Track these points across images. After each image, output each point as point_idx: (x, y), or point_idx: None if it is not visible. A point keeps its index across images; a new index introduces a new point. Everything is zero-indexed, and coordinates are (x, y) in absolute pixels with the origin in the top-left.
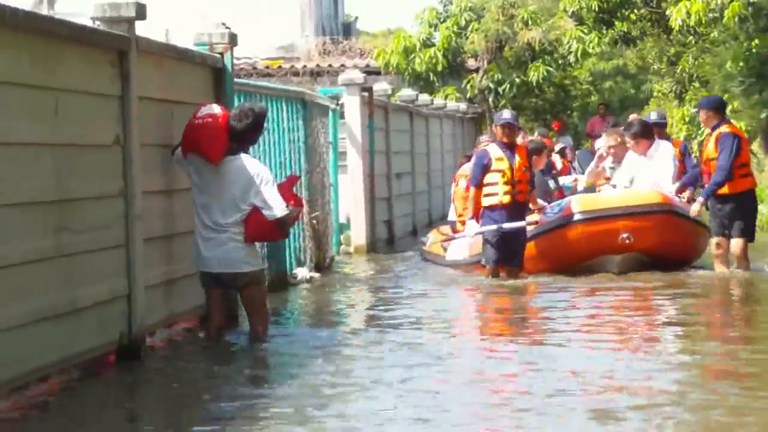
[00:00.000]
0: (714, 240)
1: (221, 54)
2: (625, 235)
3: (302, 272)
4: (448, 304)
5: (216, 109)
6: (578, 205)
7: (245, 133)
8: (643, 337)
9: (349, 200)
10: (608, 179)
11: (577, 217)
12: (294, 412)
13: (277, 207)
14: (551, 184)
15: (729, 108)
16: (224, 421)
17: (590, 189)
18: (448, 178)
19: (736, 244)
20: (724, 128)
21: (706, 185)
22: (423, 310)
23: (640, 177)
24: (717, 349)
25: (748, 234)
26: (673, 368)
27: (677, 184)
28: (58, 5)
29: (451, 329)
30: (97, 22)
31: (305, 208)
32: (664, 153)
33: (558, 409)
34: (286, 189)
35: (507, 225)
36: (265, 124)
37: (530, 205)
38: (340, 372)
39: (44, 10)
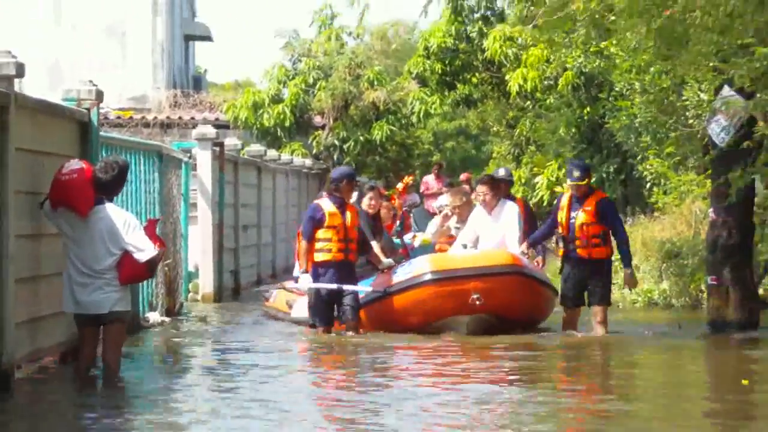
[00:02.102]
0: (569, 312)
1: (88, 109)
2: (475, 296)
3: (154, 316)
4: (279, 354)
5: (80, 164)
6: (429, 264)
7: (111, 184)
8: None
9: (198, 250)
10: (452, 237)
11: (428, 276)
12: None
13: (147, 249)
14: (397, 242)
15: (561, 172)
16: None
17: (427, 247)
18: (293, 231)
19: (602, 310)
20: (599, 195)
21: (626, 255)
22: (258, 359)
23: (486, 236)
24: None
25: (608, 300)
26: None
27: (524, 243)
28: None
29: (277, 377)
30: None
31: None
32: (509, 212)
33: None
34: (150, 232)
35: (348, 287)
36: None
37: (376, 265)
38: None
39: None
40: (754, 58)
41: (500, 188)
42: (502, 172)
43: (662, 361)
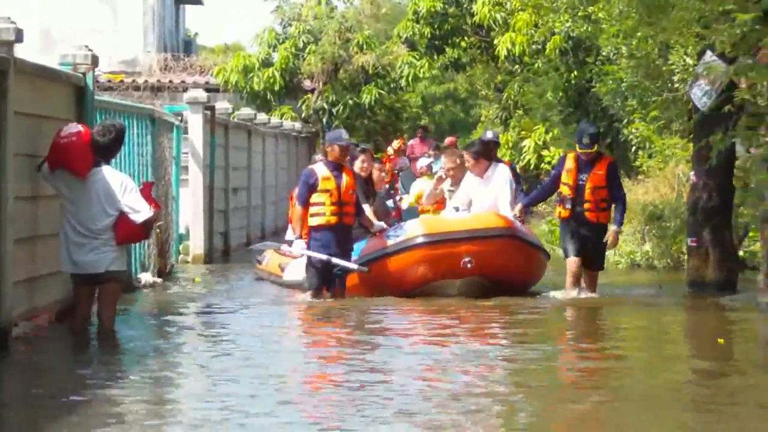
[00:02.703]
0: (573, 259)
1: (84, 74)
2: (466, 259)
3: (146, 277)
4: (261, 315)
5: (78, 127)
6: (421, 227)
7: (108, 147)
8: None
9: (189, 212)
10: (440, 202)
11: (420, 240)
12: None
13: (143, 210)
14: (390, 204)
15: (548, 136)
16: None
17: (414, 209)
18: (282, 193)
19: (596, 275)
20: (608, 159)
21: (620, 215)
22: (242, 321)
23: (478, 199)
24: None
25: (603, 265)
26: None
27: (519, 205)
28: None
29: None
30: None
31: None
32: (500, 175)
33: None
34: (146, 194)
35: (336, 260)
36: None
37: (368, 228)
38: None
39: None
40: (734, 24)
41: (489, 151)
42: (489, 135)
43: (647, 320)
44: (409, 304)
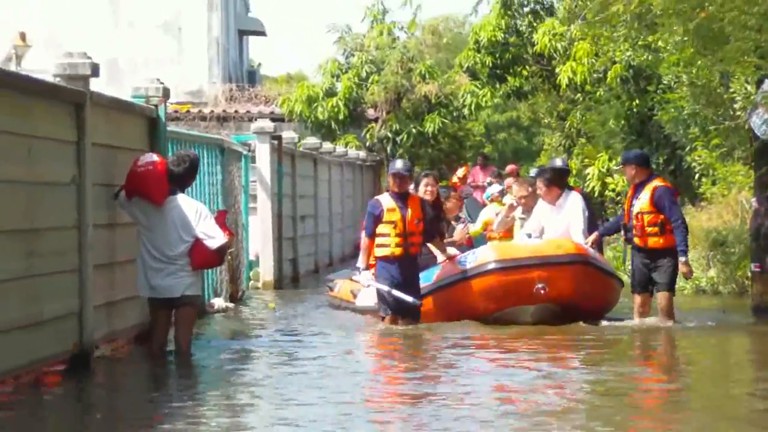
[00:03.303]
0: (639, 298)
1: (156, 106)
2: (540, 285)
3: (219, 302)
4: (335, 340)
5: (154, 157)
6: (494, 253)
7: (183, 176)
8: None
9: (258, 239)
10: (507, 231)
11: (492, 266)
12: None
13: (218, 237)
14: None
15: (612, 163)
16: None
17: (482, 236)
18: (348, 221)
19: (664, 297)
20: (658, 182)
21: (680, 244)
22: (316, 347)
23: (550, 227)
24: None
25: (674, 288)
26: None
27: (595, 234)
28: (25, 62)
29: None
30: (58, 79)
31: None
32: (573, 202)
33: None
34: (220, 221)
35: (396, 293)
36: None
37: (440, 255)
38: (251, 379)
39: (13, 68)
40: None
41: (561, 178)
42: (558, 162)
43: (711, 346)
44: (483, 330)
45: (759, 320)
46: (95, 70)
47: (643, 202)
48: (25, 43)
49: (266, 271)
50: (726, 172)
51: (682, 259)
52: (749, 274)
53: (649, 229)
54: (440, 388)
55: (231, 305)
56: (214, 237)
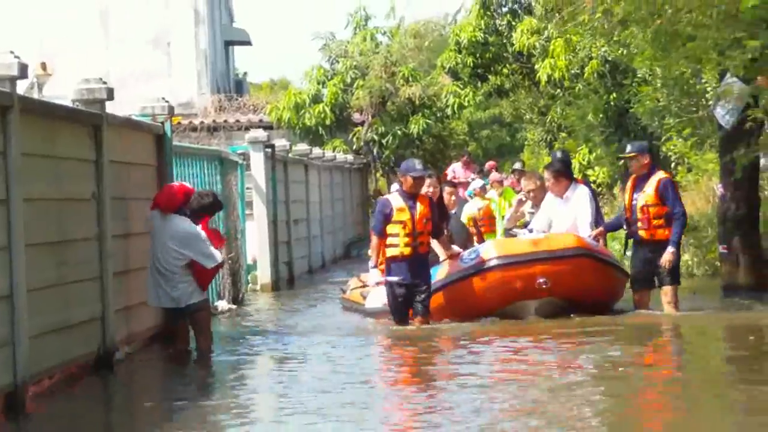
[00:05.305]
0: (638, 295)
1: (162, 123)
2: (542, 280)
3: (222, 304)
4: (336, 340)
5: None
6: (495, 250)
7: (203, 208)
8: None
9: (255, 244)
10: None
11: (493, 262)
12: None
13: (214, 257)
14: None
15: (592, 156)
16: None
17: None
18: (339, 224)
19: (671, 290)
20: (662, 174)
21: (674, 234)
22: (323, 348)
23: (558, 220)
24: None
25: (679, 280)
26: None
27: (599, 228)
28: (45, 89)
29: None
30: (77, 103)
31: (224, 250)
32: (580, 194)
33: None
34: (212, 236)
35: (392, 279)
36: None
37: (442, 252)
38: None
39: (35, 95)
40: (746, 50)
41: (568, 169)
42: (559, 154)
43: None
44: (490, 328)
45: (727, 298)
46: (110, 94)
47: (648, 194)
48: (46, 72)
49: (264, 274)
50: (698, 160)
51: (671, 249)
52: (719, 256)
53: (655, 221)
54: (453, 397)
55: (234, 307)
56: (209, 257)
